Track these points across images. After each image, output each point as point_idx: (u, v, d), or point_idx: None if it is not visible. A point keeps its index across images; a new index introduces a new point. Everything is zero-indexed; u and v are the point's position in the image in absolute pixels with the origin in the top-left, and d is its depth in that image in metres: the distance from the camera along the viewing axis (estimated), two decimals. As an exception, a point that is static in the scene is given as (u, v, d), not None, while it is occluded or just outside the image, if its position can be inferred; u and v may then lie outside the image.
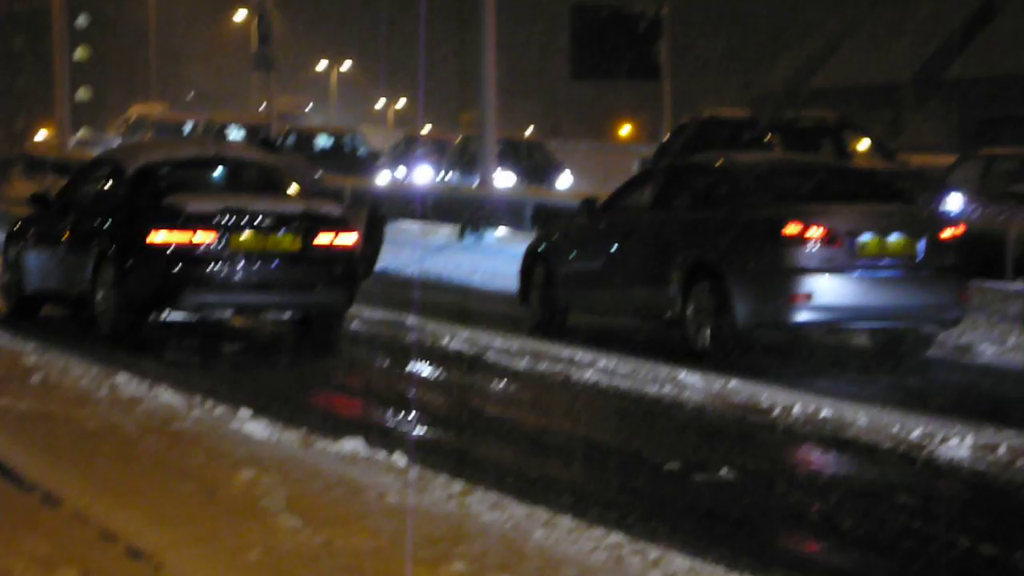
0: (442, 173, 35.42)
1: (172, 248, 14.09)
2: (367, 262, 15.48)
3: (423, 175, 37.88)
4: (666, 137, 26.79)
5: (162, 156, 15.62)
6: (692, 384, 12.27)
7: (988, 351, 14.58)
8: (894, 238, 13.74)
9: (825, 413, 10.87)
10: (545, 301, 16.09)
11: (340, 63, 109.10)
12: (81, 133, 76.15)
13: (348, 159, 37.80)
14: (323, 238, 14.47)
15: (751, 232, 13.83)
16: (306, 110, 73.18)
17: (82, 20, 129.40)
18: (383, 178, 35.35)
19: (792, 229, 13.52)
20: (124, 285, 14.35)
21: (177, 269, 14.08)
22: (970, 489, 8.89)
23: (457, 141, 37.20)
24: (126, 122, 60.48)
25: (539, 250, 16.53)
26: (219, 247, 14.15)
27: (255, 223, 14.25)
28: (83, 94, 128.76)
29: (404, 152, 42.68)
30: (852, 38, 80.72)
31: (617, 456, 9.80)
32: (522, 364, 13.41)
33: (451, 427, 10.75)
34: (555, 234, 16.80)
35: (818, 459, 9.73)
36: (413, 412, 11.24)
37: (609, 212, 15.87)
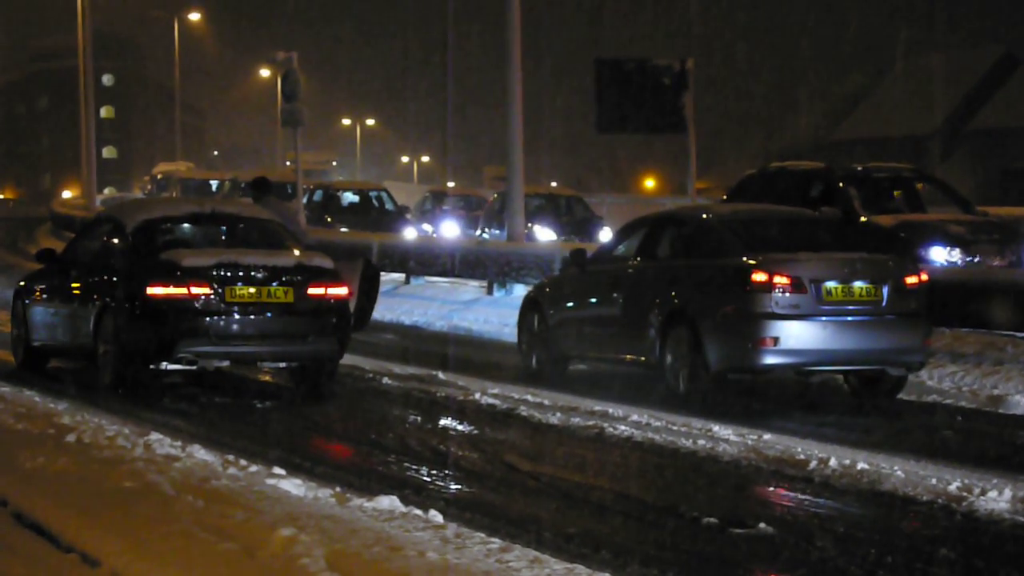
0: (480, 229, 35.40)
1: (169, 301, 14.38)
2: (361, 313, 15.79)
3: (450, 230, 38.02)
4: (723, 194, 25.90)
5: (160, 213, 16.02)
6: (726, 437, 12.26)
7: (1022, 402, 14.52)
8: (858, 284, 14.18)
9: (861, 466, 10.82)
10: (537, 348, 16.56)
11: (363, 119, 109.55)
12: (107, 192, 76.43)
13: (375, 215, 37.95)
14: (315, 290, 14.77)
15: (722, 280, 14.39)
16: (334, 164, 73.43)
17: (107, 79, 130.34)
18: (410, 234, 35.43)
19: (759, 277, 14.00)
20: (124, 337, 14.71)
21: (174, 321, 14.37)
22: (1012, 542, 8.82)
23: (494, 197, 37.25)
24: (152, 180, 60.77)
25: (533, 299, 17.01)
26: (215, 300, 14.45)
27: (249, 276, 14.52)
28: (108, 152, 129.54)
29: (431, 208, 42.85)
30: (875, 91, 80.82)
31: (654, 510, 9.75)
32: (555, 418, 13.38)
33: (486, 483, 10.71)
34: (548, 284, 17.27)
35: (857, 512, 9.66)
36: (447, 468, 11.22)
37: (597, 262, 16.30)
